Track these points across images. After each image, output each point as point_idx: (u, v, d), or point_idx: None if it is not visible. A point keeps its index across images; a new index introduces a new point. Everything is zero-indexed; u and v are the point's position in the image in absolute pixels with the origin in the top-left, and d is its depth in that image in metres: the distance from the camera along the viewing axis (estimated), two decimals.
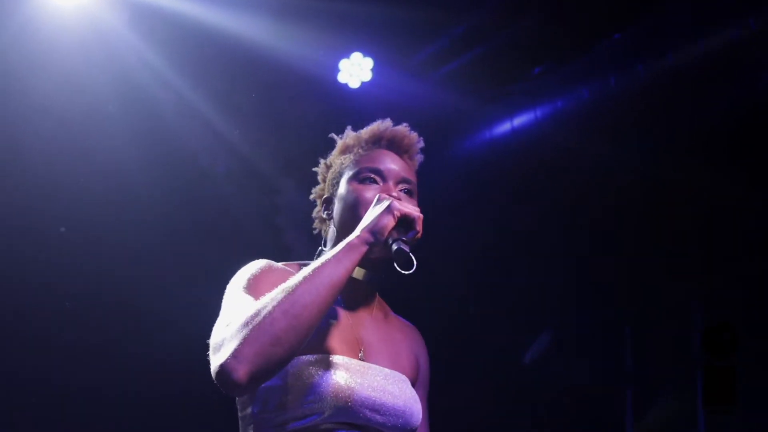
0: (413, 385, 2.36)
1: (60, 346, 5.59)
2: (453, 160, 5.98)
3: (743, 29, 4.38)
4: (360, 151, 2.41)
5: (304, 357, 2.12)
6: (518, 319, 6.67)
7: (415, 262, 2.07)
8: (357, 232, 2.12)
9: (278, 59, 5.47)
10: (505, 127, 5.66)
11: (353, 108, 5.86)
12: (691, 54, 4.65)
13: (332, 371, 2.12)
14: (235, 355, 1.89)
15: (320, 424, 2.10)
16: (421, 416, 2.28)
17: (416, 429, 2.26)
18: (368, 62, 5.76)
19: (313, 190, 2.55)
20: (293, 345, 1.93)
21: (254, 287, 2.12)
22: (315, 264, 2.04)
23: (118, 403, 5.78)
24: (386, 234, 2.10)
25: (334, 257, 2.05)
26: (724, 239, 5.79)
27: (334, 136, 2.52)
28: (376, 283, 2.36)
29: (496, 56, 5.50)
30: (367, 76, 5.75)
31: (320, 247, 2.41)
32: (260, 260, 2.29)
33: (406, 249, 2.08)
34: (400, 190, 2.32)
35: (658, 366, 6.54)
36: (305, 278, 2.00)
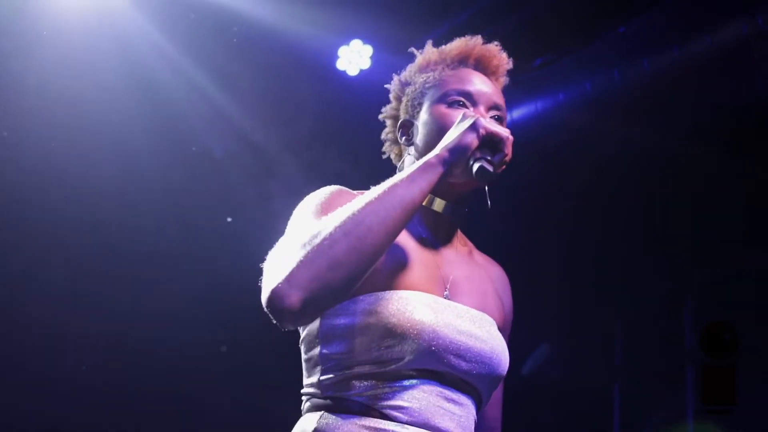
0: (501, 324, 2.12)
1: (63, 332, 5.57)
2: None
3: (751, 25, 4.33)
4: (445, 69, 2.15)
5: (382, 293, 1.88)
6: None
7: (490, 176, 1.87)
8: (436, 150, 1.89)
9: (279, 44, 5.46)
10: None
11: (351, 95, 5.83)
12: (697, 49, 4.60)
13: (415, 309, 1.87)
14: (289, 279, 1.69)
15: (398, 370, 1.86)
16: (507, 365, 2.03)
17: (501, 380, 2.03)
18: (368, 50, 5.73)
19: (384, 110, 2.29)
20: (354, 271, 1.72)
21: (322, 212, 1.88)
22: (385, 183, 1.83)
23: (119, 394, 5.75)
24: (468, 154, 1.88)
25: (408, 177, 1.83)
26: (720, 233, 5.77)
27: (414, 51, 2.26)
28: (460, 216, 2.12)
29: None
30: (366, 63, 5.72)
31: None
32: (332, 186, 2.03)
33: (489, 168, 1.87)
34: (492, 117, 2.07)
35: (648, 362, 6.53)
36: (373, 198, 1.78)
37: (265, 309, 1.72)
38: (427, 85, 2.14)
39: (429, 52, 2.21)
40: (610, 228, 6.13)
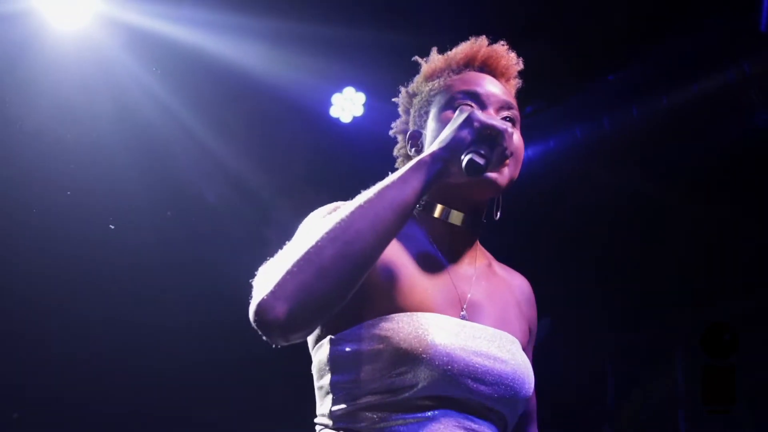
0: (523, 341, 1.99)
1: (60, 366, 5.56)
2: None
3: (737, 73, 4.40)
4: (450, 74, 2.03)
5: (392, 315, 1.76)
6: None
7: (481, 169, 1.73)
8: (432, 147, 1.77)
9: (272, 91, 5.50)
10: None
11: (344, 142, 5.87)
12: (685, 96, 4.66)
13: (427, 331, 1.73)
14: (275, 290, 1.57)
15: (412, 399, 1.73)
16: (533, 385, 1.90)
17: (527, 400, 1.88)
18: (360, 97, 5.77)
19: (393, 125, 2.20)
20: (343, 279, 1.60)
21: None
22: (378, 185, 1.71)
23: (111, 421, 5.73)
24: (464, 149, 1.74)
25: (401, 177, 1.70)
26: (711, 276, 5.79)
27: (418, 59, 2.14)
28: (477, 228, 1.99)
29: None
30: (359, 111, 5.76)
31: None
32: (333, 203, 1.93)
33: (480, 161, 1.72)
34: (503, 118, 1.94)
35: (640, 405, 6.52)
36: (363, 201, 1.67)
37: (253, 324, 1.61)
38: (433, 93, 2.03)
39: (434, 59, 2.10)
40: (599, 271, 6.15)
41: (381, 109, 5.77)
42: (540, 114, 5.56)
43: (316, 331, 1.86)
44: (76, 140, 5.27)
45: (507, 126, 1.77)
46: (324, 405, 1.84)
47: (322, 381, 1.84)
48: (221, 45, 5.17)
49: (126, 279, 5.74)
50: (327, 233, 1.62)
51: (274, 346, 1.66)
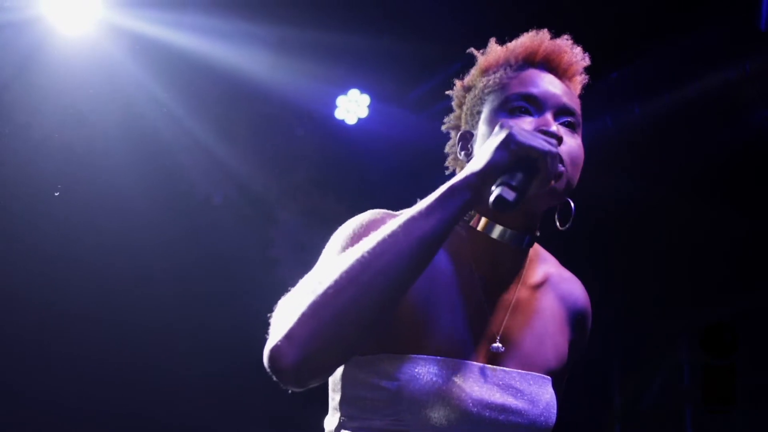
0: (558, 374, 1.85)
1: (60, 370, 5.58)
2: None
3: (738, 71, 4.42)
4: (508, 71, 1.82)
5: (415, 356, 1.64)
6: None
7: (512, 205, 1.52)
8: (465, 171, 1.57)
9: (277, 94, 5.53)
10: None
11: (349, 143, 5.90)
12: (687, 95, 4.68)
13: (446, 383, 1.63)
14: (289, 335, 1.45)
15: None
16: (555, 418, 1.78)
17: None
18: (365, 99, 5.79)
19: (446, 120, 2.00)
20: (362, 324, 1.47)
21: (348, 248, 1.60)
22: (404, 215, 1.55)
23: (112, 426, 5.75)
24: (498, 175, 1.55)
25: (428, 206, 1.53)
26: (712, 272, 5.80)
27: (474, 51, 1.95)
28: (529, 244, 1.79)
29: None
30: (364, 112, 5.79)
31: None
32: (369, 212, 1.76)
33: (509, 197, 1.52)
34: (561, 123, 1.75)
35: (647, 403, 6.53)
36: (387, 235, 1.51)
37: (267, 369, 1.50)
38: (487, 90, 1.83)
39: (492, 51, 1.90)
40: (603, 270, 6.16)
41: (386, 110, 5.80)
42: None
43: None
44: (83, 145, 5.30)
45: (552, 147, 1.57)
46: (332, 420, 1.77)
47: (333, 395, 1.76)
48: (226, 50, 5.20)
49: (132, 281, 5.75)
50: (346, 272, 1.48)
51: (289, 391, 1.57)
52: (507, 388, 1.72)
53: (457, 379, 1.66)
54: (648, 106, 4.88)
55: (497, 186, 1.53)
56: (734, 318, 5.79)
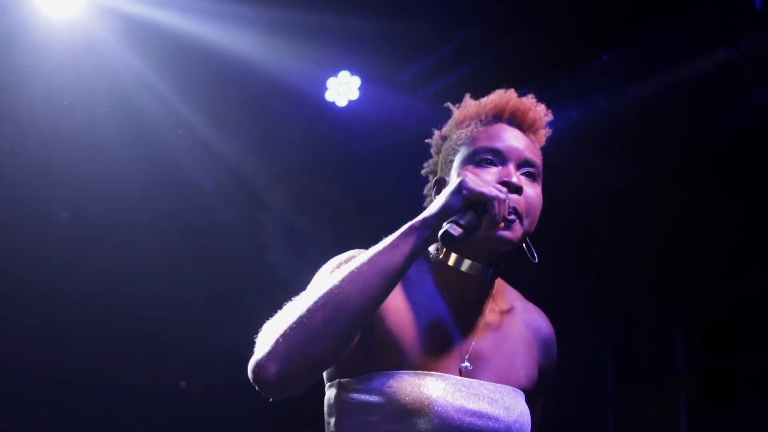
0: (530, 393, 2.08)
1: (44, 347, 5.56)
2: None
3: (733, 50, 4.38)
4: (478, 125, 2.05)
5: (394, 372, 1.88)
6: None
7: (457, 240, 1.77)
8: (424, 213, 1.83)
9: (267, 76, 5.49)
10: None
11: (340, 126, 5.86)
12: (682, 75, 4.65)
13: (427, 393, 1.85)
14: (269, 351, 1.69)
15: None
16: (529, 430, 1.99)
17: None
18: (356, 81, 5.76)
19: (426, 165, 2.21)
20: (332, 341, 1.71)
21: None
22: (371, 250, 1.80)
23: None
24: (450, 216, 1.80)
25: (391, 242, 1.79)
26: (708, 258, 5.79)
27: (450, 106, 2.19)
28: (492, 276, 2.03)
29: (483, 75, 5.49)
30: (355, 94, 5.75)
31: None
32: (350, 251, 1.98)
33: (454, 233, 1.77)
34: (522, 174, 1.99)
35: (641, 388, 6.53)
36: (355, 267, 1.76)
37: (251, 380, 1.73)
38: (459, 141, 2.06)
39: (465, 105, 2.15)
40: (603, 252, 6.15)
41: (376, 92, 5.77)
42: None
43: (330, 369, 1.97)
44: (70, 127, 5.26)
45: (500, 193, 1.82)
46: None
47: (329, 419, 1.97)
48: (215, 32, 5.16)
49: (120, 266, 5.73)
50: (319, 298, 1.73)
51: (270, 399, 1.79)
52: (483, 397, 1.93)
53: (439, 390, 1.87)
54: (642, 87, 4.84)
55: (447, 223, 1.79)
56: (730, 305, 5.78)
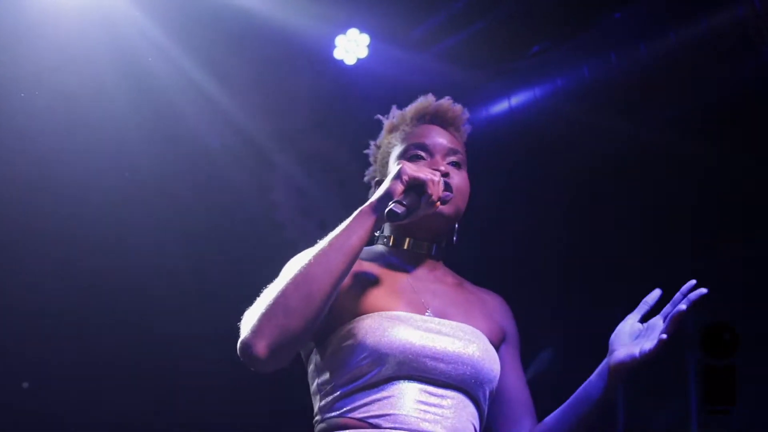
0: (496, 346, 2.33)
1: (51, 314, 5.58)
2: None
3: (747, 8, 4.31)
4: (406, 128, 2.45)
5: (357, 317, 2.16)
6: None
7: (400, 216, 2.09)
8: (371, 199, 2.15)
9: (274, 33, 5.43)
10: (502, 105, 5.59)
11: (349, 85, 5.81)
12: (694, 33, 4.58)
13: (388, 324, 2.12)
14: (254, 330, 1.97)
15: (379, 380, 2.10)
16: (498, 370, 2.26)
17: (493, 381, 2.23)
18: (364, 38, 5.70)
19: (367, 173, 2.57)
20: (307, 316, 1.98)
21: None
22: (329, 235, 2.10)
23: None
24: (393, 199, 2.12)
25: (347, 227, 2.10)
26: (724, 221, 5.75)
27: (381, 117, 2.55)
28: (439, 252, 2.40)
29: (494, 33, 5.44)
30: (363, 52, 5.70)
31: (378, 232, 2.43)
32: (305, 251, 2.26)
33: (397, 210, 2.09)
34: (448, 163, 2.36)
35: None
36: (318, 250, 2.06)
37: (241, 359, 2.01)
38: (392, 145, 2.45)
39: (393, 115, 2.51)
40: (615, 213, 6.11)
41: (385, 50, 5.71)
42: (546, 54, 5.48)
43: (306, 350, 2.26)
44: (76, 87, 5.23)
45: (434, 176, 2.16)
46: (315, 405, 2.22)
47: (312, 386, 2.24)
48: None
49: (129, 228, 5.72)
50: (291, 279, 2.02)
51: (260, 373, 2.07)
52: (451, 327, 2.21)
53: (406, 321, 2.15)
54: (655, 45, 4.78)
55: (392, 203, 2.10)
56: (743, 265, 5.75)
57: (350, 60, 5.73)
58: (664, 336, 2.11)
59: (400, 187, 2.12)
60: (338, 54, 5.74)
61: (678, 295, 2.25)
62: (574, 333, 6.73)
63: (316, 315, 2.01)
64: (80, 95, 5.27)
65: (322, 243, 2.08)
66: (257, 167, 6.16)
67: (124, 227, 5.72)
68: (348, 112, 5.93)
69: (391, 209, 2.08)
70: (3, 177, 5.26)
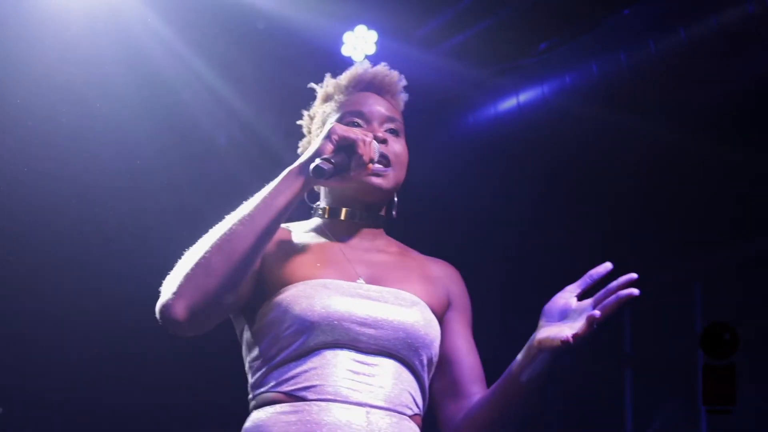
0: (438, 312, 2.19)
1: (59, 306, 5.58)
2: (457, 135, 5.91)
3: (759, 5, 4.29)
4: (341, 96, 2.33)
5: (282, 288, 2.05)
6: (511, 295, 6.60)
7: (326, 173, 1.99)
8: (300, 159, 2.07)
9: (282, 30, 5.43)
10: (511, 102, 5.57)
11: None
12: (704, 30, 4.56)
13: (312, 292, 2.02)
14: (175, 291, 1.90)
15: (305, 350, 1.99)
16: (435, 336, 2.12)
17: (429, 347, 2.09)
18: (372, 35, 5.69)
19: (300, 144, 2.48)
20: (229, 276, 1.91)
21: None
22: (256, 195, 2.03)
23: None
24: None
25: (274, 186, 2.03)
26: (728, 214, 5.74)
27: (314, 86, 2.45)
28: (376, 221, 2.27)
29: (502, 30, 5.43)
30: (371, 49, 5.69)
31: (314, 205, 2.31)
32: None
33: (324, 166, 1.99)
34: (386, 130, 2.24)
35: (657, 349, 6.51)
36: (243, 209, 2.00)
37: (160, 322, 1.93)
38: (326, 114, 2.33)
39: (327, 84, 2.40)
40: (618, 212, 6.10)
41: (393, 48, 5.70)
42: (555, 51, 5.47)
43: (238, 317, 2.15)
44: (83, 83, 5.22)
45: (365, 136, 2.06)
46: (249, 382, 2.10)
47: (246, 364, 2.13)
48: None
49: (134, 223, 5.72)
50: (215, 240, 1.95)
51: (180, 337, 2.00)
52: (382, 293, 2.09)
53: (331, 287, 2.04)
54: (664, 42, 4.75)
55: (318, 159, 2.00)
56: (754, 263, 5.73)
57: (358, 57, 5.71)
58: (597, 313, 1.88)
59: (329, 147, 2.02)
60: (346, 51, 5.73)
61: (614, 283, 2.01)
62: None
63: (239, 276, 1.93)
64: (88, 91, 5.27)
65: (248, 204, 2.02)
66: (264, 164, 6.15)
67: (132, 225, 5.71)
68: None
69: (317, 165, 1.98)
70: (10, 175, 5.25)
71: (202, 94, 5.60)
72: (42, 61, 5.11)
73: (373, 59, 5.99)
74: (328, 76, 2.42)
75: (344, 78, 2.37)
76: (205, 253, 1.93)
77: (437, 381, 2.19)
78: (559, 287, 2.10)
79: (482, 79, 5.75)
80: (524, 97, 5.47)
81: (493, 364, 2.26)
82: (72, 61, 5.15)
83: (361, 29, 5.69)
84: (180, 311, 1.88)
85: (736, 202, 5.57)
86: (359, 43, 5.70)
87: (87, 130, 5.38)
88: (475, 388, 2.17)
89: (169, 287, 1.92)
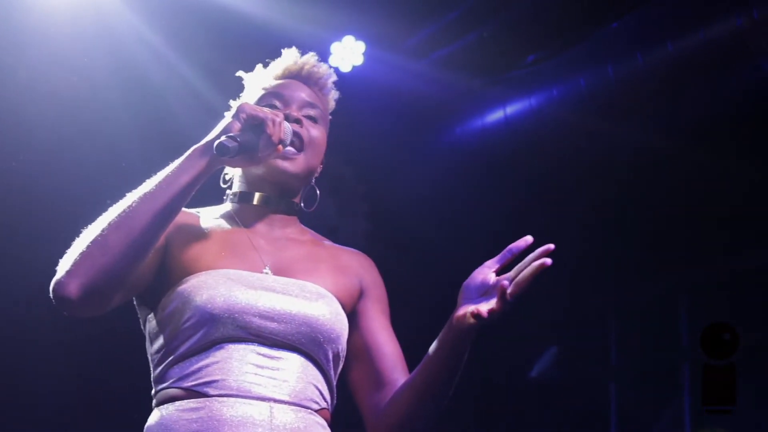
0: (349, 304, 2.15)
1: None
2: (443, 147, 5.91)
3: (745, 18, 4.30)
4: (266, 83, 2.30)
5: (183, 279, 1.99)
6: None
7: (231, 150, 1.93)
8: (207, 137, 2.02)
9: (270, 40, 5.37)
10: (497, 115, 5.59)
11: (344, 92, 5.78)
12: (691, 43, 4.58)
13: (213, 282, 1.96)
14: (69, 270, 1.84)
15: (206, 344, 1.94)
16: (343, 329, 2.07)
17: (336, 341, 2.04)
18: (360, 46, 5.69)
19: None
20: (127, 254, 1.85)
21: None
22: (161, 173, 1.98)
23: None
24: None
25: (179, 164, 1.98)
26: (718, 231, 5.75)
27: (242, 74, 2.43)
28: (288, 208, 2.21)
29: (490, 42, 5.44)
30: (359, 60, 5.68)
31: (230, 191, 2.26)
32: None
33: (228, 144, 1.92)
34: (304, 115, 2.21)
35: (642, 361, 6.51)
36: (145, 187, 1.95)
37: (54, 302, 1.86)
38: (253, 99, 2.27)
39: (257, 72, 2.37)
40: (604, 225, 6.10)
41: (381, 58, 5.70)
42: (542, 63, 5.48)
43: (141, 308, 2.09)
44: (70, 90, 5.21)
45: (276, 117, 2.01)
46: (152, 377, 2.03)
47: (149, 357, 2.06)
48: None
49: None
50: (114, 218, 1.88)
51: (74, 317, 1.94)
52: (287, 285, 2.03)
53: (232, 280, 1.98)
54: (652, 55, 4.77)
55: (224, 137, 1.94)
56: (741, 277, 5.74)
57: (346, 67, 5.71)
58: (506, 284, 1.85)
59: (237, 125, 1.98)
60: (334, 61, 5.72)
61: (531, 255, 1.97)
62: (574, 336, 6.73)
63: (137, 255, 1.87)
64: (76, 99, 5.25)
65: (151, 181, 1.95)
66: None
67: None
68: (343, 118, 5.89)
69: (221, 142, 1.92)
70: None
71: (189, 100, 5.59)
72: (29, 69, 5.10)
73: (361, 70, 6.04)
74: (259, 66, 2.39)
75: (272, 66, 2.35)
76: (103, 230, 1.86)
77: (358, 372, 2.15)
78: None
79: (470, 91, 5.76)
80: (511, 109, 5.48)
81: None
82: (59, 67, 5.14)
83: (349, 40, 5.69)
84: (73, 290, 1.82)
85: (722, 214, 5.58)
86: (347, 53, 5.70)
87: (74, 134, 5.36)
88: (396, 375, 2.12)
89: (63, 265, 1.86)
